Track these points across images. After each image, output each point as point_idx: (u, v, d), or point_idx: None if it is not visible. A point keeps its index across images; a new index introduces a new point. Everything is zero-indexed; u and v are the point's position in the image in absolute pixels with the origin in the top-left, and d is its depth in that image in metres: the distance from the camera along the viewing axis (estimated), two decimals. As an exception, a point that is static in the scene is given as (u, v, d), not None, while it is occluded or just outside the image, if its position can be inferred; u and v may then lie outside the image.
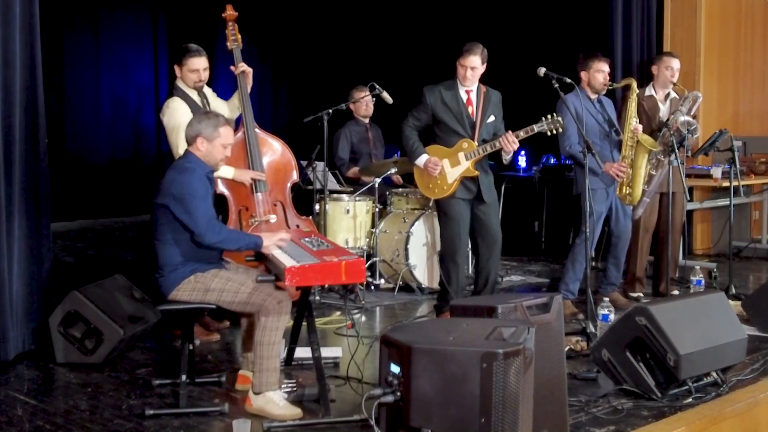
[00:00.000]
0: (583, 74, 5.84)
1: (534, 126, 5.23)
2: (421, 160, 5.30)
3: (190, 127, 4.00)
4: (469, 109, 5.31)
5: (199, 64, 5.06)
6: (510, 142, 5.16)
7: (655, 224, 6.13)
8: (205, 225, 3.80)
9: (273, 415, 3.72)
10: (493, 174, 5.52)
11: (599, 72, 5.79)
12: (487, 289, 5.40)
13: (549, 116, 5.21)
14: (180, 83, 5.10)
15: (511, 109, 6.32)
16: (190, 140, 3.98)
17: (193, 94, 5.08)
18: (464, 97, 5.31)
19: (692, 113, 5.90)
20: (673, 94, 6.13)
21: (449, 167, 5.28)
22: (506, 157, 5.33)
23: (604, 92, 5.90)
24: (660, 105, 6.10)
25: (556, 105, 5.57)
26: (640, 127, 5.76)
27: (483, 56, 5.28)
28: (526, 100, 6.28)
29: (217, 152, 3.97)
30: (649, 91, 6.18)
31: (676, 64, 6.13)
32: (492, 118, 5.36)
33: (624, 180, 5.72)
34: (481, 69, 5.30)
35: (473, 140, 5.27)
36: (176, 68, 5.09)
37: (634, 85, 5.84)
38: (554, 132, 5.25)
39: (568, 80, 5.61)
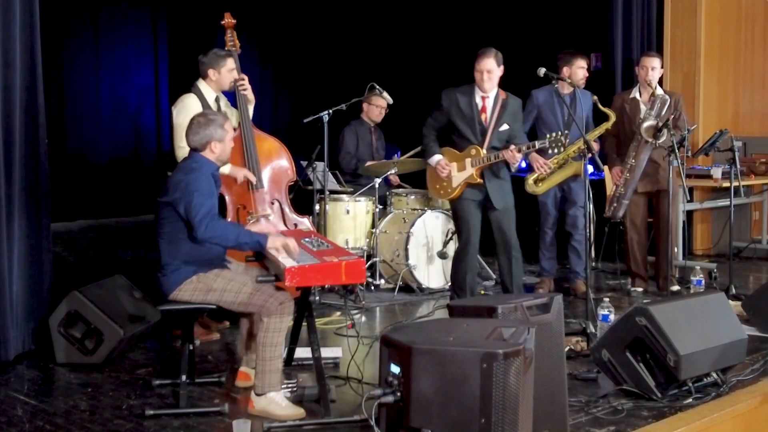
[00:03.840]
0: (565, 69, 6.05)
1: (536, 142, 5.32)
2: (434, 160, 5.38)
3: (195, 135, 3.95)
4: (483, 116, 5.29)
5: (234, 63, 5.18)
6: (512, 156, 5.18)
7: (642, 221, 6.26)
8: (201, 219, 3.77)
9: (276, 415, 3.72)
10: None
11: (581, 69, 6.12)
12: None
13: (552, 134, 5.28)
14: (202, 84, 5.11)
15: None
16: (201, 147, 3.95)
17: (210, 98, 5.09)
18: (479, 103, 5.29)
19: (662, 115, 5.90)
20: (660, 93, 6.11)
21: (456, 171, 5.32)
22: (514, 166, 5.38)
23: (582, 86, 6.05)
24: (642, 107, 6.11)
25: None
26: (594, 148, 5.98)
27: (498, 59, 5.25)
28: (526, 99, 6.30)
29: (228, 147, 4.04)
30: (634, 92, 6.21)
31: (649, 62, 6.11)
32: (505, 127, 5.31)
33: (540, 176, 6.05)
34: (497, 72, 5.27)
35: (482, 147, 5.26)
36: (211, 72, 5.08)
37: (609, 123, 6.04)
38: (556, 150, 5.32)
39: (568, 80, 5.66)
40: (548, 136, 5.29)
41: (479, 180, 5.27)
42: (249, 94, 5.26)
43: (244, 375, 4.19)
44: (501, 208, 5.33)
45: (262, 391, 3.78)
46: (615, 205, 6.10)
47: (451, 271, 5.56)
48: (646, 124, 5.84)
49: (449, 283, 6.38)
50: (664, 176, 5.83)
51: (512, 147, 5.19)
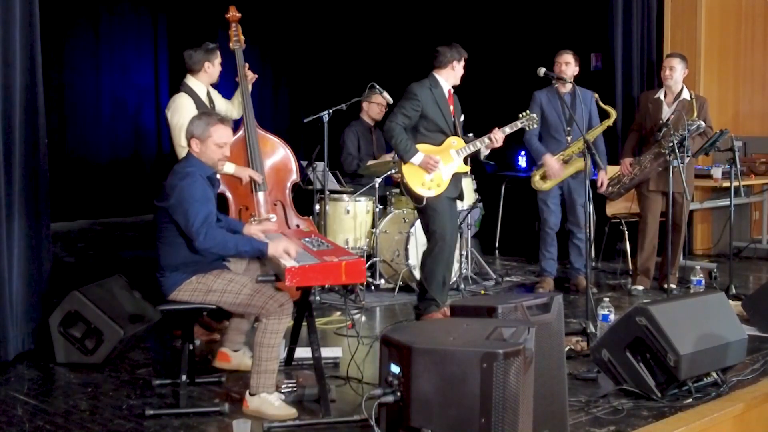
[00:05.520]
0: (555, 68, 6.11)
1: (517, 122, 5.47)
2: (418, 158, 5.17)
3: (186, 130, 4.01)
4: (450, 108, 5.33)
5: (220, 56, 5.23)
6: (499, 139, 5.28)
7: (657, 219, 6.28)
8: (198, 228, 3.75)
9: (269, 415, 3.72)
10: (493, 174, 5.62)
11: (565, 64, 6.14)
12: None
13: (525, 113, 5.52)
14: (191, 80, 5.11)
15: (512, 108, 6.35)
16: (187, 143, 3.99)
17: (202, 93, 5.09)
18: (446, 95, 5.32)
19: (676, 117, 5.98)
20: (686, 96, 6.15)
21: (443, 165, 5.24)
22: (485, 152, 5.44)
23: (570, 80, 6.08)
24: (665, 107, 6.20)
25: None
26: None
27: None
28: (526, 99, 6.32)
29: (211, 152, 3.93)
30: (659, 93, 6.30)
31: (666, 62, 6.28)
32: (462, 117, 5.44)
33: (546, 172, 6.09)
34: None
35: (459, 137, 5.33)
36: (207, 64, 5.10)
37: (611, 120, 6.10)
38: (532, 127, 5.58)
39: (568, 80, 5.67)
40: (521, 114, 5.48)
41: (468, 167, 5.37)
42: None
43: (222, 355, 4.35)
44: (458, 200, 5.46)
45: (256, 391, 3.79)
46: (612, 189, 6.32)
47: (430, 270, 5.25)
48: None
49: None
50: (677, 178, 5.81)
51: (496, 129, 5.30)
